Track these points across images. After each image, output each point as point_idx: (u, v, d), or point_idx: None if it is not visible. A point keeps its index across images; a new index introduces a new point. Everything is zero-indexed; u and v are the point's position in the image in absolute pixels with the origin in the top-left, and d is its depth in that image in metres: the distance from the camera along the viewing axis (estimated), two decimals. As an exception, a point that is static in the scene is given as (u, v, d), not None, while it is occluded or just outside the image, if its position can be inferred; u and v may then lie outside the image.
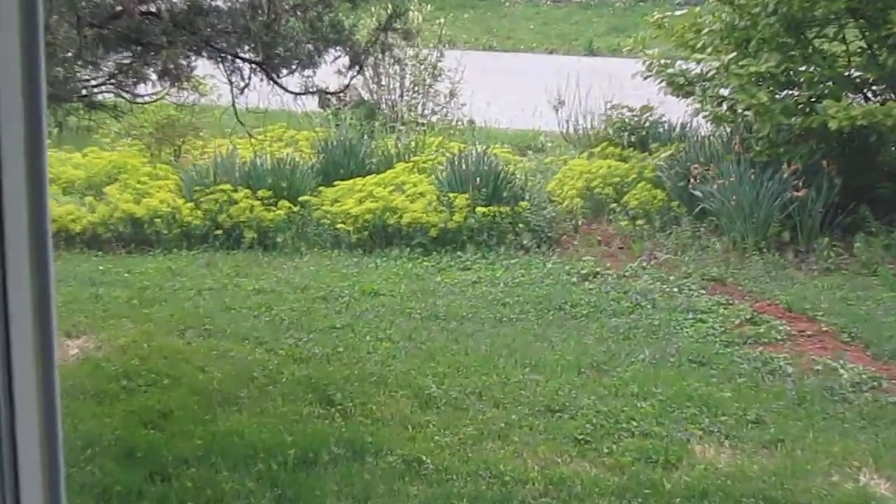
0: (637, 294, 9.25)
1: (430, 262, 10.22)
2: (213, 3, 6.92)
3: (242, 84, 7.20)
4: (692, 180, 10.93)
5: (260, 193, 11.05)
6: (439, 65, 15.40)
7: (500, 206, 10.79)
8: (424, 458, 6.28)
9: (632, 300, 9.13)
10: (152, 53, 6.68)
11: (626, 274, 9.84)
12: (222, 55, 7.01)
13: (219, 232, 10.73)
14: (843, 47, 10.94)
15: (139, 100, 7.77)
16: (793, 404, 7.14)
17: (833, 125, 9.83)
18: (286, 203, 10.99)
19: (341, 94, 11.23)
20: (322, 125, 14.04)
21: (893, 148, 11.26)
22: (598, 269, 9.90)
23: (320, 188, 11.64)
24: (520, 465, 6.29)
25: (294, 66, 7.16)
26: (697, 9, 11.82)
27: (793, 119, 10.59)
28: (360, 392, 7.15)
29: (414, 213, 10.66)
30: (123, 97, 7.55)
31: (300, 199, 11.16)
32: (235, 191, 11.04)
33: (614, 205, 11.42)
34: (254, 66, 7.11)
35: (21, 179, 1.40)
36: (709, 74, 11.19)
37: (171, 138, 13.38)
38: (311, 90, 7.52)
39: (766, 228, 10.27)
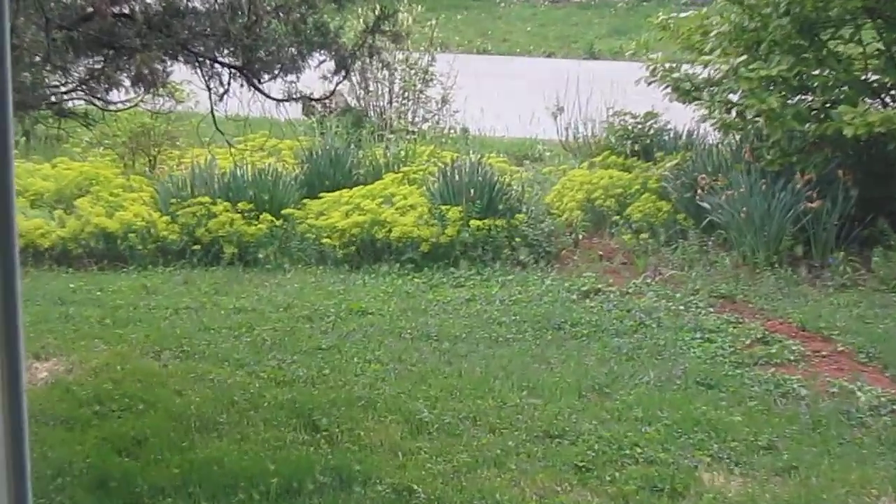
0: (641, 312, 9.25)
1: (422, 279, 10.22)
2: (191, 5, 6.92)
3: (221, 90, 7.19)
4: (699, 191, 10.95)
5: (240, 206, 11.06)
6: (431, 69, 15.44)
7: (495, 219, 10.80)
8: (416, 487, 6.27)
9: (635, 319, 9.14)
10: (125, 58, 6.68)
11: (630, 291, 9.84)
12: (200, 59, 7.01)
13: (197, 247, 10.73)
14: (860, 49, 10.96)
15: (112, 107, 7.77)
16: (807, 429, 7.14)
17: (849, 132, 9.85)
18: (268, 216, 11.00)
19: (326, 101, 11.28)
20: (306, 134, 14.06)
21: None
22: (599, 286, 9.91)
23: (304, 200, 11.65)
24: (517, 494, 6.28)
25: (276, 71, 7.16)
26: (704, 9, 11.87)
27: (806, 126, 10.62)
28: (347, 417, 7.15)
29: (404, 227, 10.66)
30: (95, 104, 7.54)
31: (283, 212, 11.17)
32: (214, 203, 11.04)
33: (617, 217, 11.44)
34: (233, 70, 7.11)
35: (-13, 192, 1.41)
36: (717, 79, 11.22)
37: (145, 148, 13.38)
38: (294, 96, 7.52)
39: (777, 242, 10.29)
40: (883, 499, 6.29)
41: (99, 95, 7.19)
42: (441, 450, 6.75)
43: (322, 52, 7.26)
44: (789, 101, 10.66)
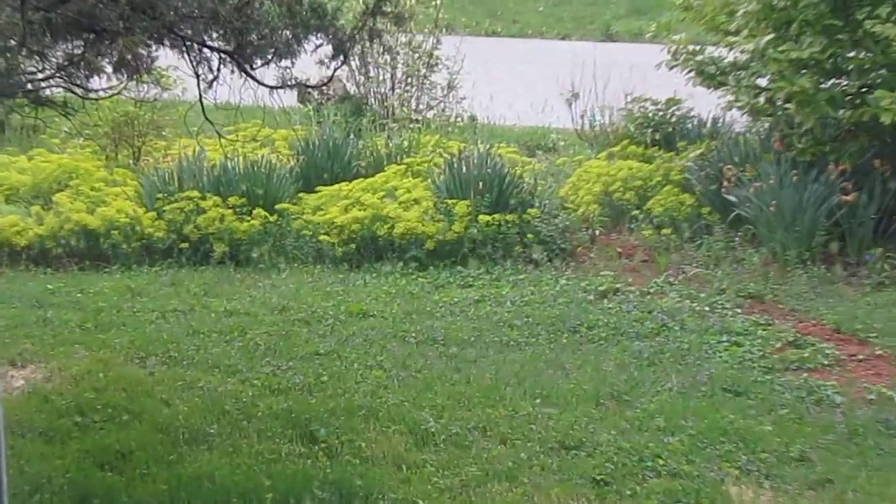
0: (663, 314, 9.26)
1: (427, 279, 10.24)
2: (177, -16, 6.92)
3: (210, 76, 7.19)
4: (725, 183, 10.95)
5: (231, 201, 11.07)
6: (435, 53, 15.46)
7: (505, 213, 10.81)
8: (421, 502, 6.28)
9: (657, 321, 9.15)
10: (107, 42, 6.68)
11: (651, 291, 9.85)
12: (187, 43, 7.01)
13: (185, 245, 10.75)
14: (898, 30, 10.95)
15: (92, 95, 7.76)
16: (843, 439, 7.14)
17: (886, 119, 9.84)
18: (261, 212, 11.01)
19: (324, 88, 11.29)
20: (302, 123, 14.08)
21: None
22: (618, 286, 9.91)
23: (300, 195, 11.67)
24: (530, 510, 6.29)
25: (269, 56, 7.16)
26: (730, -12, 11.85)
27: (840, 112, 10.61)
28: (347, 427, 7.15)
29: (408, 223, 10.67)
30: (75, 92, 7.55)
31: (277, 207, 11.19)
32: (203, 198, 11.06)
33: (636, 212, 11.45)
34: (223, 55, 7.11)
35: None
36: (743, 62, 11.21)
37: (129, 139, 13.40)
38: (289, 83, 7.51)
39: (810, 238, 10.29)
40: (925, 514, 6.30)
41: (79, 82, 7.19)
42: (448, 463, 6.75)
43: (319, 35, 7.25)
44: (822, 86, 10.64)
